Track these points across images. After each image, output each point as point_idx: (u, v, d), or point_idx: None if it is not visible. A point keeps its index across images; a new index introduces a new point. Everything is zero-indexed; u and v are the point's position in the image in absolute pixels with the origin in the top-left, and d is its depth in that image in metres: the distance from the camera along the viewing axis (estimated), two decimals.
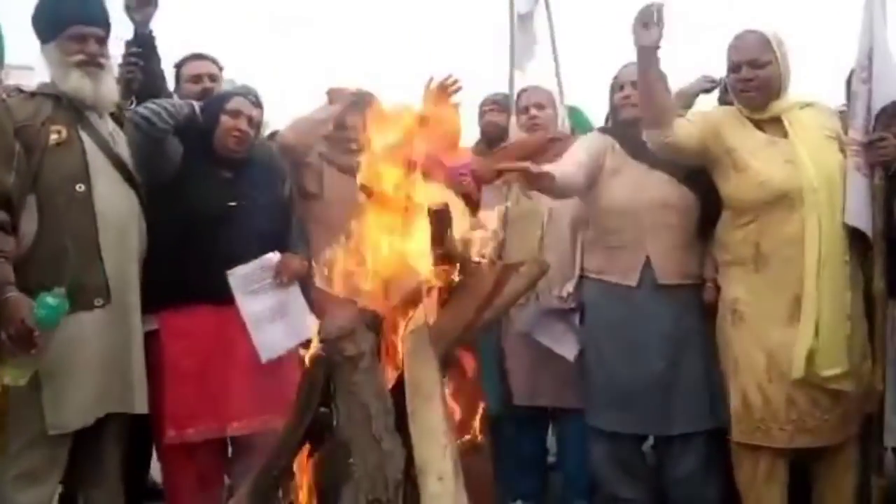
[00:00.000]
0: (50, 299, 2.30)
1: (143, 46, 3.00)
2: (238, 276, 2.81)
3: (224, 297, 2.78)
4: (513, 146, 3.31)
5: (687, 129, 2.76)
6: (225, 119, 2.89)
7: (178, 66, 3.37)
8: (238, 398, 2.77)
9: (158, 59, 3.11)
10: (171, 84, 3.30)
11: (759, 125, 2.78)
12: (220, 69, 3.39)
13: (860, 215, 2.60)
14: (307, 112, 3.22)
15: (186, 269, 2.75)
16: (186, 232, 2.77)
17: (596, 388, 3.03)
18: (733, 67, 2.77)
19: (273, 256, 2.88)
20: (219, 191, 2.87)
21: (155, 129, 2.74)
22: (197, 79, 3.28)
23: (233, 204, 2.86)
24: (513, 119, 3.44)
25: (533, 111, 3.35)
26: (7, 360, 2.32)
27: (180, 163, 2.88)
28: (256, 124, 3.03)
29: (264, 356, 2.80)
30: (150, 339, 2.77)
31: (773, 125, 2.76)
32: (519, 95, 3.47)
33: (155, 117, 2.74)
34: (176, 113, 2.80)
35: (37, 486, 2.47)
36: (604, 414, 3.00)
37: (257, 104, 3.00)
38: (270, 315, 2.84)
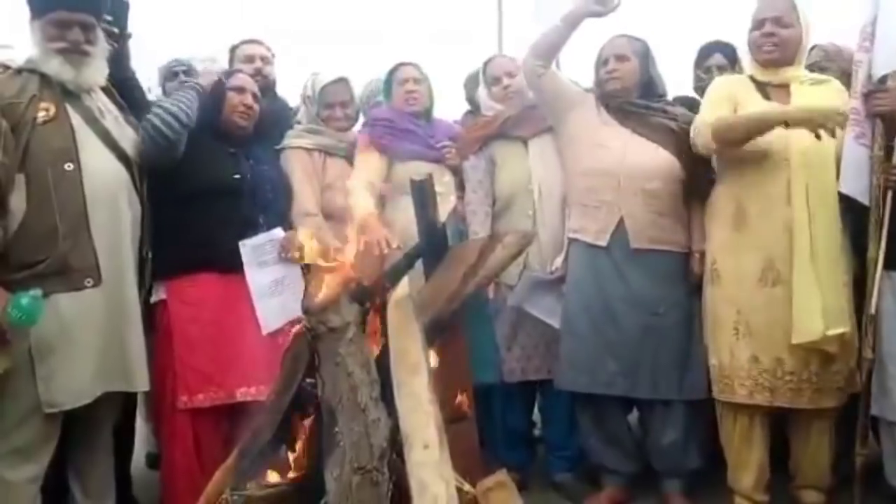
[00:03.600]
0: (24, 300, 2.28)
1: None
2: (248, 247, 2.87)
3: (229, 266, 2.83)
4: (496, 116, 3.30)
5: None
6: (231, 95, 2.96)
7: (233, 49, 3.48)
8: (245, 364, 2.81)
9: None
10: (225, 65, 3.37)
11: (766, 92, 2.81)
12: (273, 54, 3.53)
13: (856, 184, 2.61)
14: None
15: (192, 239, 2.79)
16: (192, 204, 2.80)
17: (562, 349, 3.06)
18: (757, 24, 2.82)
19: (279, 232, 2.94)
20: (224, 164, 2.91)
21: (169, 141, 2.73)
22: (251, 58, 3.43)
23: (237, 176, 2.90)
24: (482, 91, 3.39)
25: (505, 80, 3.31)
26: None
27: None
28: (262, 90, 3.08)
29: (264, 328, 2.86)
30: (159, 308, 2.83)
31: (780, 93, 2.80)
32: (485, 67, 3.40)
33: (168, 130, 2.71)
34: (188, 115, 2.77)
35: (29, 462, 2.47)
36: (567, 375, 3.03)
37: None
38: (272, 289, 2.90)
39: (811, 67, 3.03)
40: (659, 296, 2.92)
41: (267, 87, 3.35)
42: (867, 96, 2.63)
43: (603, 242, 2.96)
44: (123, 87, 2.87)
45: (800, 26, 2.79)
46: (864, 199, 2.63)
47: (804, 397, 2.68)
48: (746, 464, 2.82)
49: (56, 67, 2.53)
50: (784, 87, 2.80)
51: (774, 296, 2.67)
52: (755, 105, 2.78)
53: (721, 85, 2.94)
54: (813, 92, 2.77)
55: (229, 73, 3.08)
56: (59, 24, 2.53)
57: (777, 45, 2.78)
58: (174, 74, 3.56)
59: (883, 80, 2.63)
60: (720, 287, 2.80)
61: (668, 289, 2.94)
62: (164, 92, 3.45)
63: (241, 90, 2.98)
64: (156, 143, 2.71)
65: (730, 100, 2.82)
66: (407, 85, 3.31)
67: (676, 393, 2.94)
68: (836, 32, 3.34)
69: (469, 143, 3.30)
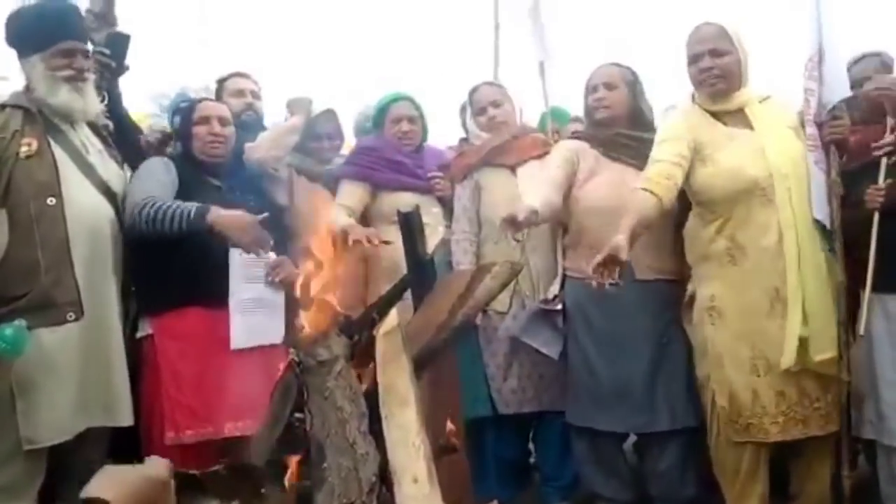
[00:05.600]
0: (8, 331, 2.27)
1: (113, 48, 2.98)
2: (237, 257, 2.81)
3: (217, 301, 2.79)
4: (481, 146, 3.29)
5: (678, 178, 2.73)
6: (197, 130, 2.91)
7: (221, 82, 3.47)
8: (234, 399, 2.74)
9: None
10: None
11: (722, 119, 2.80)
12: (260, 87, 3.51)
13: (821, 210, 2.64)
14: (272, 128, 3.25)
15: (179, 275, 2.75)
16: (178, 240, 2.73)
17: (578, 387, 3.04)
18: (693, 58, 2.78)
19: (271, 254, 2.88)
20: (209, 199, 2.83)
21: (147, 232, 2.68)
22: (240, 93, 3.41)
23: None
24: (469, 121, 3.36)
25: (490, 110, 3.29)
26: None
27: None
28: (236, 115, 3.06)
29: (233, 343, 2.79)
30: (145, 343, 2.79)
31: (735, 118, 2.79)
32: (471, 96, 3.37)
33: (147, 227, 2.66)
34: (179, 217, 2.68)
35: (15, 500, 2.44)
36: (586, 412, 3.01)
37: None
38: (252, 306, 2.85)
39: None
40: (663, 324, 2.91)
41: (256, 122, 3.34)
42: (820, 126, 2.66)
43: (612, 280, 2.95)
44: (119, 129, 2.90)
45: (736, 50, 2.75)
46: (828, 224, 2.65)
47: (833, 421, 2.66)
48: (750, 496, 2.76)
49: (65, 96, 2.55)
50: (738, 111, 2.79)
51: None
52: (714, 132, 2.76)
53: (676, 123, 2.88)
54: (765, 111, 2.78)
55: (191, 106, 3.00)
56: (66, 52, 2.56)
57: (719, 77, 2.74)
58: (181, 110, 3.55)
59: (832, 109, 2.67)
60: (724, 325, 2.72)
61: (672, 315, 2.93)
62: (172, 126, 3.32)
63: (205, 120, 2.92)
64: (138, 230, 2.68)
65: (684, 133, 2.77)
66: (401, 125, 3.30)
67: (685, 420, 2.92)
68: (777, 61, 3.35)
69: (457, 172, 3.30)
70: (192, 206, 2.69)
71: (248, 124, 3.24)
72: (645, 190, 2.68)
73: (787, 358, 2.59)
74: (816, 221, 2.65)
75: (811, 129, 2.69)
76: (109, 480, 1.28)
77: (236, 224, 2.67)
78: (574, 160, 3.06)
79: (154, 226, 2.65)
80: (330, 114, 3.36)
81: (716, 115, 2.81)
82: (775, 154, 2.67)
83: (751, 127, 2.74)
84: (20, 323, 2.31)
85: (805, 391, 2.64)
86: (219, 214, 2.67)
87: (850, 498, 2.69)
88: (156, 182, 2.79)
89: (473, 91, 3.38)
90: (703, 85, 2.78)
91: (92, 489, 1.26)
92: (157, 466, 1.31)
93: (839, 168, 2.67)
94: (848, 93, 2.69)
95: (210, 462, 2.81)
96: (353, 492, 1.66)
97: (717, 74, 2.74)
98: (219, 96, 3.43)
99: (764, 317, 2.66)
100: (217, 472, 1.66)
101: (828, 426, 2.66)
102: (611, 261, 2.50)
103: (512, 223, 2.68)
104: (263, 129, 3.38)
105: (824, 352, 2.59)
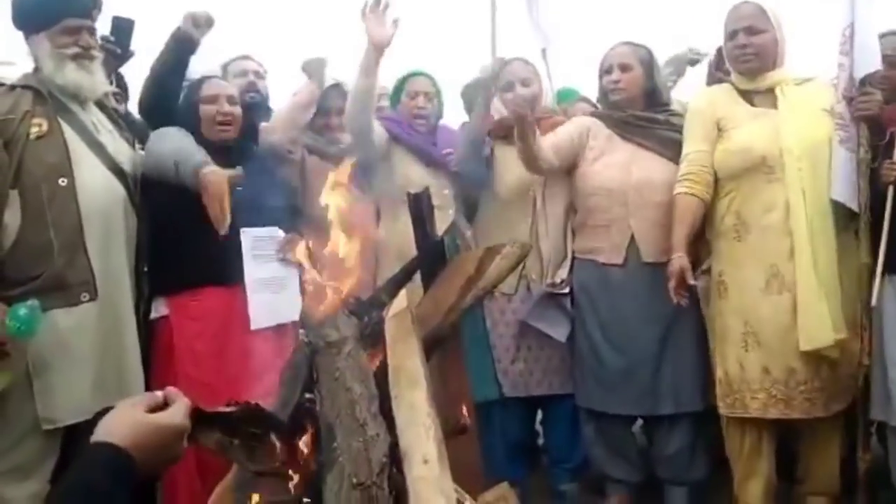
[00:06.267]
0: (22, 311, 2.28)
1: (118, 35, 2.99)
2: (250, 236, 2.82)
3: (232, 279, 2.79)
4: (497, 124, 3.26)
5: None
6: (204, 108, 2.85)
7: (225, 66, 3.47)
8: (252, 378, 2.73)
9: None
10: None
11: (750, 99, 2.80)
12: (265, 70, 3.53)
13: (845, 190, 2.60)
14: (285, 105, 3.21)
15: (194, 255, 2.74)
16: (190, 219, 2.74)
17: (586, 370, 3.03)
18: (730, 35, 2.79)
19: (279, 231, 2.90)
20: None
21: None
22: (243, 73, 3.43)
23: (238, 189, 2.81)
24: (495, 98, 3.29)
25: (519, 88, 3.23)
26: None
27: None
28: (242, 96, 3.04)
29: (254, 323, 2.80)
30: (160, 325, 2.79)
31: (766, 98, 2.79)
32: (501, 70, 3.28)
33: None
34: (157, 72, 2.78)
35: (29, 479, 2.46)
36: (594, 395, 3.01)
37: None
38: (267, 286, 2.85)
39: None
40: (672, 307, 2.90)
41: (261, 103, 3.33)
42: (850, 100, 2.62)
43: (618, 260, 2.94)
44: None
45: (773, 29, 2.75)
46: (853, 205, 2.61)
47: (818, 406, 2.66)
48: (754, 474, 2.79)
49: (72, 74, 2.55)
50: (769, 91, 2.78)
51: (781, 304, 2.65)
52: (739, 111, 2.77)
53: (700, 99, 2.92)
54: (798, 92, 2.76)
55: (197, 84, 2.93)
56: (71, 30, 2.55)
57: (755, 55, 2.75)
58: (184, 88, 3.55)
59: (863, 81, 2.61)
60: (727, 299, 2.77)
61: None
62: None
63: (213, 100, 2.86)
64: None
65: (710, 115, 2.81)
66: (418, 100, 3.26)
67: (693, 404, 2.93)
68: (814, 35, 3.30)
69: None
70: (198, 159, 2.70)
71: (252, 105, 3.22)
72: (687, 194, 2.75)
73: (814, 339, 2.56)
74: (837, 203, 2.61)
75: (839, 107, 2.65)
76: (125, 423, 1.15)
77: (212, 189, 2.65)
78: (584, 136, 3.05)
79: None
80: (337, 88, 3.32)
81: (745, 95, 2.80)
82: (790, 134, 2.65)
83: (776, 107, 2.73)
84: (34, 303, 2.31)
85: (793, 372, 2.64)
86: (208, 171, 2.67)
87: (864, 481, 2.68)
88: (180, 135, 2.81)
89: (505, 65, 3.30)
90: (737, 62, 2.79)
91: (105, 431, 1.15)
92: (175, 412, 1.20)
93: (868, 145, 2.61)
94: (879, 66, 2.61)
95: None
96: (364, 472, 1.66)
97: (751, 52, 2.75)
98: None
99: (759, 293, 2.68)
100: (227, 412, 1.65)
101: (812, 411, 2.65)
102: (680, 284, 2.67)
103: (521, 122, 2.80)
104: (269, 108, 3.37)
105: (839, 332, 2.58)
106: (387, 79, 3.40)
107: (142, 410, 1.19)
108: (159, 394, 1.24)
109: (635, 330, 2.94)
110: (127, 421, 1.16)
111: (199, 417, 1.39)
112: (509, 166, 3.19)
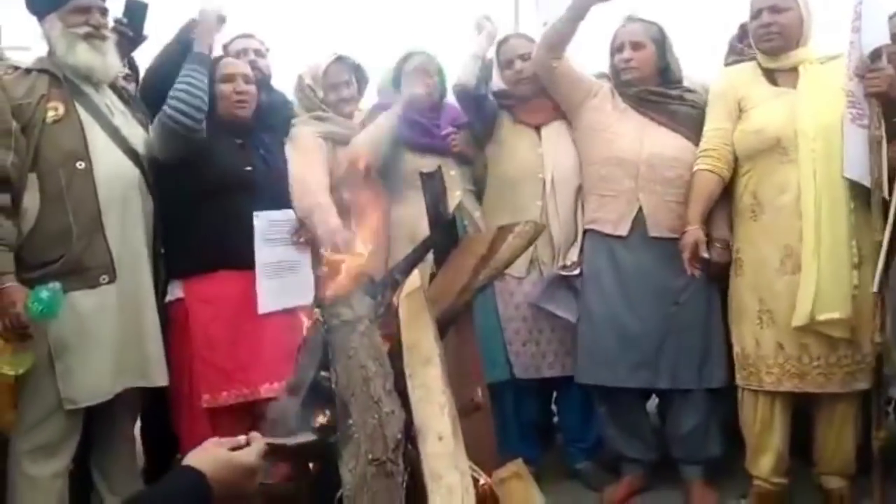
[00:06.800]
0: (44, 293, 2.31)
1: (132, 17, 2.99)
2: (263, 219, 2.82)
3: (247, 263, 2.80)
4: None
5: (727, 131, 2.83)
6: (221, 88, 2.87)
7: (226, 46, 3.42)
8: (268, 360, 2.76)
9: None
10: None
11: (773, 78, 2.79)
12: (267, 48, 3.48)
13: (857, 167, 2.58)
14: (369, 129, 3.12)
15: (208, 237, 2.76)
16: (204, 200, 2.76)
17: (583, 341, 3.03)
18: (755, 14, 2.79)
19: (293, 213, 2.90)
20: (234, 157, 2.85)
21: (189, 128, 2.69)
22: (244, 52, 3.38)
23: (249, 168, 2.86)
24: (495, 73, 3.26)
25: (518, 64, 3.19)
26: (4, 349, 2.35)
27: None
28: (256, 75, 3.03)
29: (261, 307, 2.80)
30: (175, 307, 2.80)
31: (789, 77, 2.77)
32: (499, 48, 3.23)
33: (187, 119, 2.67)
34: (202, 98, 2.71)
35: (52, 458, 2.51)
36: (588, 368, 3.01)
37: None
38: (278, 268, 2.85)
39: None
40: (679, 285, 2.89)
41: (263, 80, 3.31)
42: (861, 77, 2.58)
43: (623, 232, 2.93)
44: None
45: (798, 7, 2.75)
46: (865, 181, 2.58)
47: (834, 382, 2.65)
48: (766, 448, 2.80)
49: (83, 55, 2.56)
50: (793, 70, 2.77)
51: (794, 283, 2.64)
52: (760, 90, 2.77)
53: (723, 78, 2.91)
54: (820, 71, 2.74)
55: (214, 62, 2.92)
56: (82, 9, 2.56)
57: (777, 33, 2.74)
58: None
59: (874, 55, 2.57)
60: (743, 276, 2.79)
61: (688, 277, 2.86)
62: None
63: (230, 78, 2.88)
64: (175, 133, 2.66)
65: (732, 95, 2.81)
66: (418, 78, 3.23)
67: (696, 382, 2.92)
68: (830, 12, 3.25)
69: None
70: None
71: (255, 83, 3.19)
72: (706, 170, 2.79)
73: (799, 317, 2.59)
74: (850, 180, 2.59)
75: (851, 84, 2.62)
76: (209, 456, 1.35)
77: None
78: (594, 87, 3.09)
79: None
80: (341, 61, 3.30)
81: (769, 74, 2.80)
82: (806, 115, 2.64)
83: (796, 87, 2.72)
84: (55, 286, 2.34)
85: (806, 348, 2.65)
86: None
87: (879, 459, 2.67)
88: None
89: (502, 42, 3.26)
90: (761, 40, 2.79)
91: (192, 459, 1.34)
92: (250, 451, 1.41)
93: (879, 121, 2.57)
94: (887, 40, 2.57)
95: (243, 425, 2.88)
96: (379, 449, 1.68)
97: (775, 31, 2.74)
98: None
99: (773, 272, 2.69)
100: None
101: (827, 385, 2.65)
102: (694, 256, 2.75)
103: None
104: (271, 87, 3.33)
105: (829, 311, 2.57)
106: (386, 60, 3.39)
107: (225, 448, 1.38)
108: (243, 438, 1.44)
109: (636, 303, 2.92)
110: (211, 454, 1.36)
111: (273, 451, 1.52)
112: (519, 149, 3.18)
